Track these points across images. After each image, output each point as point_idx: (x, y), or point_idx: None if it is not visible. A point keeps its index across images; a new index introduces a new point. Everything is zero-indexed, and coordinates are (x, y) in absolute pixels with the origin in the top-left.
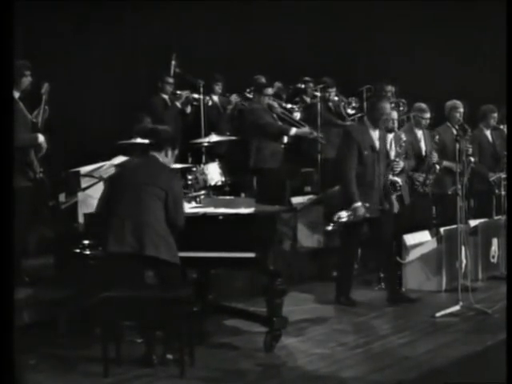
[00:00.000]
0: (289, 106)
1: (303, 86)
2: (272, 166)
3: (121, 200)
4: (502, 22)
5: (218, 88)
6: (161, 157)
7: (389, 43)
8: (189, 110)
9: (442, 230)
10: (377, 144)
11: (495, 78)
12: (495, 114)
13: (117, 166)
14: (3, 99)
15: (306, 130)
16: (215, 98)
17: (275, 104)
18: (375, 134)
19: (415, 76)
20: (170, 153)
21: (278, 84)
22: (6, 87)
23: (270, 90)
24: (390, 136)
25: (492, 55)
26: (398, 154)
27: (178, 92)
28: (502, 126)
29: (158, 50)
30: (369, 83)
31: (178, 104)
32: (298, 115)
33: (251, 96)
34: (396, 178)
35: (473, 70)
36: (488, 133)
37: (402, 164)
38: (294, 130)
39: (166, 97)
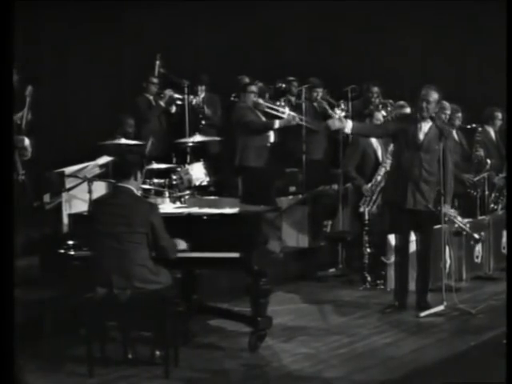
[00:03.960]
0: (277, 103)
1: (284, 85)
2: (257, 164)
3: (103, 248)
4: (502, 22)
5: (201, 89)
6: (132, 185)
7: (378, 43)
8: (173, 109)
9: None
10: None
11: (494, 78)
12: (460, 114)
13: (92, 204)
14: (2, 100)
15: (287, 117)
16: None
17: (260, 100)
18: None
19: (405, 76)
20: (138, 175)
21: (259, 84)
22: (6, 87)
23: (254, 88)
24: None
25: (491, 55)
26: (390, 152)
27: (163, 92)
28: (469, 126)
29: (143, 50)
30: (355, 83)
31: (162, 103)
32: (286, 110)
33: (235, 98)
34: None
35: (471, 70)
36: (453, 132)
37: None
38: (277, 123)
39: (150, 97)
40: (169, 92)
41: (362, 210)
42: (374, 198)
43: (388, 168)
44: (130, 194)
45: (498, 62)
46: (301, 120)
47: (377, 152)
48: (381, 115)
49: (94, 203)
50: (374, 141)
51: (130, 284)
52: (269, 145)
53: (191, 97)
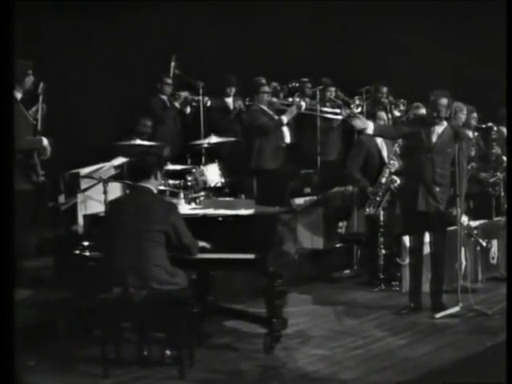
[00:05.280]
0: (290, 99)
1: (297, 84)
2: (273, 166)
3: (120, 247)
4: (501, 22)
5: (230, 90)
6: (152, 185)
7: (386, 43)
8: (188, 110)
9: None
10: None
11: (495, 78)
12: (475, 115)
13: (111, 203)
14: (3, 100)
15: (291, 109)
16: (228, 100)
17: (274, 99)
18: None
19: (413, 75)
20: (158, 175)
21: (274, 84)
22: (7, 88)
23: (267, 88)
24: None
25: (492, 55)
26: (394, 153)
27: (177, 93)
28: (484, 126)
29: (158, 50)
30: (367, 83)
31: (177, 104)
32: (302, 104)
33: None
34: (394, 177)
35: (472, 70)
36: (470, 133)
37: (396, 163)
38: (285, 118)
39: (165, 98)
40: (184, 93)
41: (368, 212)
42: (378, 199)
43: (393, 169)
44: (149, 193)
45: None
46: (299, 108)
47: (381, 152)
48: (384, 114)
49: (112, 203)
50: (378, 141)
51: (146, 284)
52: (284, 145)
53: (206, 98)
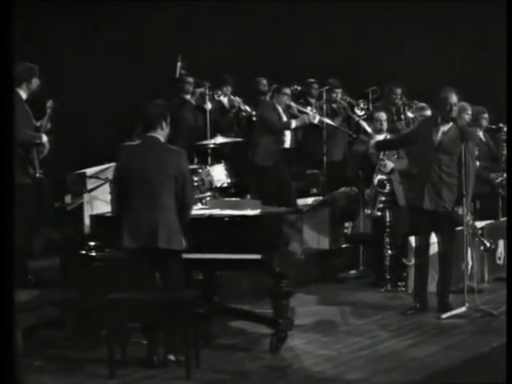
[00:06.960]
0: (308, 108)
1: (299, 87)
2: (267, 164)
3: (133, 194)
4: (501, 22)
5: (226, 90)
6: (159, 134)
7: (391, 43)
8: (209, 106)
9: None
10: None
11: (496, 78)
12: (486, 115)
13: (120, 153)
14: (4, 99)
15: (302, 116)
16: (224, 99)
17: (292, 104)
18: None
19: (423, 76)
20: (164, 124)
21: (274, 85)
22: (7, 87)
23: (288, 90)
24: (380, 137)
25: (493, 55)
26: (385, 154)
27: (194, 90)
28: (494, 126)
29: (163, 51)
30: (374, 84)
31: (193, 101)
32: (317, 115)
33: (267, 97)
34: (383, 177)
35: (474, 70)
36: (481, 134)
37: (389, 163)
38: (293, 123)
39: (188, 97)
40: (199, 89)
41: (366, 213)
42: (374, 201)
43: (384, 169)
44: (157, 141)
45: None
46: (312, 119)
47: (381, 154)
48: (383, 115)
49: (122, 149)
50: None
51: (154, 242)
52: (285, 147)
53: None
